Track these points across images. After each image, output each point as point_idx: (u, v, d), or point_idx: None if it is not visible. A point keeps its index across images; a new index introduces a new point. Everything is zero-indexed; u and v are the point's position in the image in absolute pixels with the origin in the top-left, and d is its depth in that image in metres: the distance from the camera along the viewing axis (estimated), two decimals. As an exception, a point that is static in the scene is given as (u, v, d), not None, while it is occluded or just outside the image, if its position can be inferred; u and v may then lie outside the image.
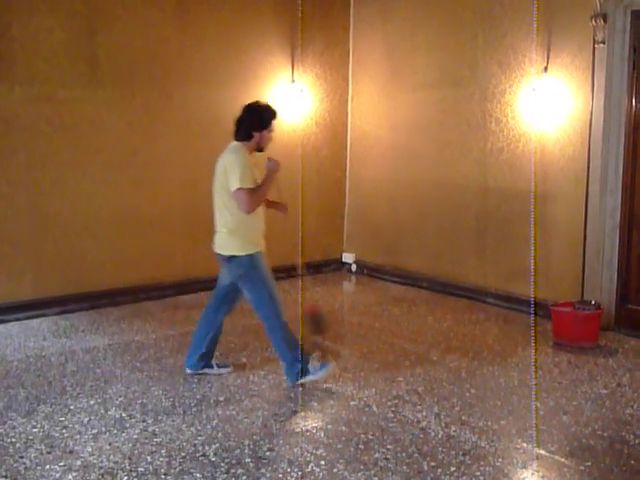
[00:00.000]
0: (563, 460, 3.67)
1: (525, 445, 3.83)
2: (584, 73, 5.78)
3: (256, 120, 4.52)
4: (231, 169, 4.41)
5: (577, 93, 5.85)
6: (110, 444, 3.76)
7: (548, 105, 5.99)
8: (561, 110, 5.95)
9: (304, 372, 4.56)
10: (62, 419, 4.05)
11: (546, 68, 5.98)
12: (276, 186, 4.73)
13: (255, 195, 4.43)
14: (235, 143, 4.57)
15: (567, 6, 5.85)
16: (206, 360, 4.77)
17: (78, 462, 3.57)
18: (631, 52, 5.55)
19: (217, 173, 4.55)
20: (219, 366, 4.83)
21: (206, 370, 4.77)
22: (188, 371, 4.77)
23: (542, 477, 3.53)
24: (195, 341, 4.79)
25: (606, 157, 5.70)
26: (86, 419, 4.06)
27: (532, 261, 6.03)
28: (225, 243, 4.55)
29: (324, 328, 5.14)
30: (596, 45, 5.67)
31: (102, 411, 4.17)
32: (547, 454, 3.73)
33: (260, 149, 4.62)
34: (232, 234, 4.52)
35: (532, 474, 3.56)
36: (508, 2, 6.27)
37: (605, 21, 5.57)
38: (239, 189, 4.38)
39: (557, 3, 5.90)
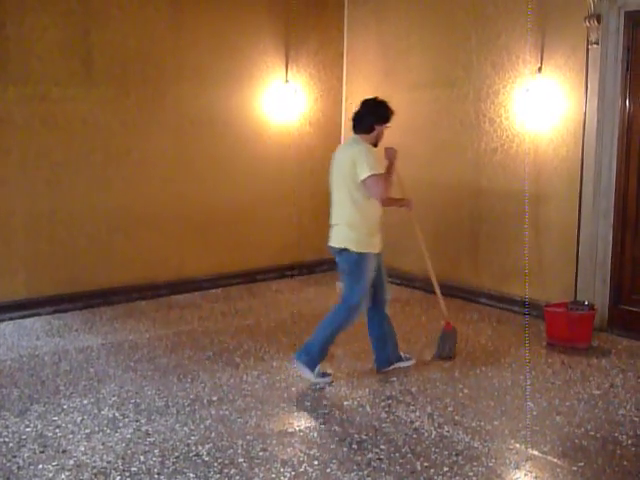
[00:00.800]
0: (556, 461, 3.68)
1: (518, 446, 3.84)
2: (578, 74, 5.80)
3: (381, 114, 4.65)
4: (360, 158, 4.45)
5: (571, 94, 5.87)
6: (103, 444, 3.76)
7: (542, 106, 6.00)
8: (555, 111, 5.96)
9: (311, 368, 4.63)
10: (55, 418, 4.05)
11: (540, 69, 6.00)
12: (398, 180, 4.90)
13: (387, 181, 4.53)
14: (355, 136, 4.65)
15: (561, 7, 5.87)
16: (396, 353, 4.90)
17: (71, 462, 3.56)
18: (625, 53, 5.56)
19: (340, 165, 4.59)
20: (406, 358, 4.95)
21: (398, 364, 4.89)
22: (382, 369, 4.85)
23: (535, 478, 3.54)
24: (379, 342, 4.87)
25: (600, 158, 5.71)
26: (79, 419, 4.05)
27: (526, 261, 6.05)
28: (342, 236, 4.58)
29: (453, 348, 5.20)
30: (590, 46, 5.67)
31: (95, 411, 4.16)
32: (540, 455, 3.74)
33: (375, 144, 4.69)
34: (351, 228, 4.55)
35: (525, 475, 3.57)
36: (502, 3, 6.28)
37: (599, 22, 5.58)
38: (371, 176, 4.42)
39: (551, 4, 5.91)
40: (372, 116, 4.62)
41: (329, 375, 4.70)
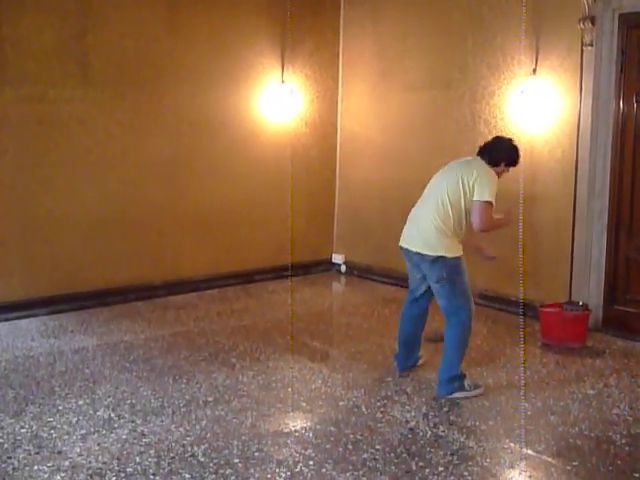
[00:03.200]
0: (550, 460, 3.70)
1: (513, 445, 3.85)
2: (572, 75, 5.82)
3: (512, 157, 4.59)
4: (485, 180, 4.36)
5: (565, 95, 5.89)
6: (99, 444, 3.76)
7: (537, 107, 6.02)
8: (549, 112, 5.98)
9: (459, 387, 4.50)
10: (50, 419, 4.05)
11: (535, 70, 6.02)
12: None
13: (491, 220, 4.43)
14: (480, 159, 4.56)
15: (555, 9, 5.89)
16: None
17: (66, 463, 3.57)
18: (619, 55, 5.59)
19: (455, 174, 4.46)
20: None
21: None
22: (404, 373, 4.83)
23: (529, 477, 3.55)
24: (414, 345, 4.85)
25: (594, 159, 5.74)
26: (74, 419, 4.05)
27: (521, 262, 6.06)
28: (434, 243, 4.41)
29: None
30: (584, 48, 5.70)
31: (91, 411, 4.17)
32: (534, 454, 3.76)
33: None
34: (442, 235, 4.41)
35: (519, 474, 3.58)
36: (497, 4, 6.30)
37: (593, 24, 5.61)
38: (487, 202, 4.32)
39: (545, 5, 5.94)
40: (504, 155, 4.57)
41: (480, 387, 4.59)
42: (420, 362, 4.96)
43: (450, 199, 4.41)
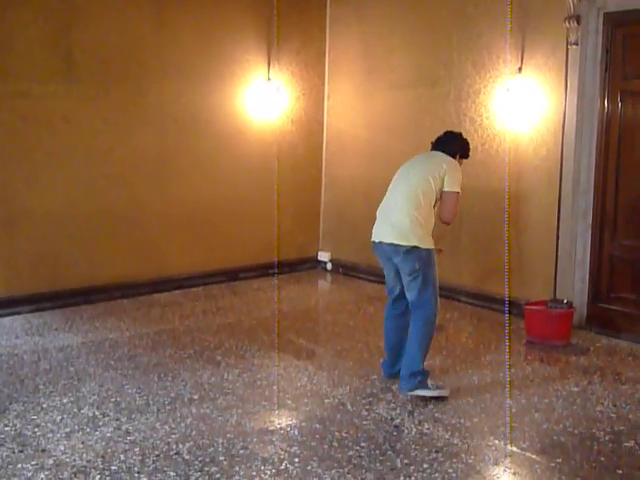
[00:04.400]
0: (534, 457, 3.72)
1: (497, 442, 3.87)
2: (557, 74, 5.85)
3: (465, 150, 4.77)
4: (454, 172, 4.49)
5: (550, 94, 5.92)
6: (83, 443, 3.74)
7: (522, 105, 6.05)
8: (535, 110, 6.01)
9: (421, 385, 4.38)
10: (34, 417, 4.02)
11: (520, 68, 6.04)
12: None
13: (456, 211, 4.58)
14: (443, 154, 4.62)
15: (541, 7, 5.92)
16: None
17: (50, 461, 3.54)
18: (604, 53, 5.62)
19: (423, 167, 4.57)
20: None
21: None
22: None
23: (514, 474, 3.56)
24: (400, 350, 4.63)
25: (579, 157, 5.77)
26: (59, 417, 4.03)
27: (506, 260, 6.09)
28: (408, 234, 4.40)
29: None
30: (569, 46, 5.73)
31: (75, 409, 4.14)
32: (519, 451, 3.78)
33: None
34: (416, 226, 4.40)
35: (504, 471, 3.60)
36: (483, 2, 6.32)
37: (578, 23, 5.64)
38: (457, 193, 4.47)
39: (531, 4, 5.96)
40: (458, 148, 4.71)
41: (445, 389, 4.47)
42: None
43: (422, 190, 4.45)
